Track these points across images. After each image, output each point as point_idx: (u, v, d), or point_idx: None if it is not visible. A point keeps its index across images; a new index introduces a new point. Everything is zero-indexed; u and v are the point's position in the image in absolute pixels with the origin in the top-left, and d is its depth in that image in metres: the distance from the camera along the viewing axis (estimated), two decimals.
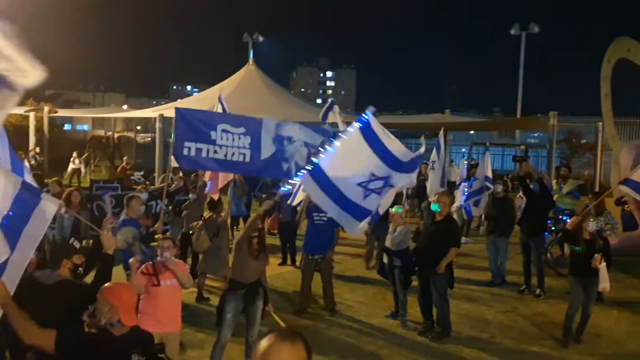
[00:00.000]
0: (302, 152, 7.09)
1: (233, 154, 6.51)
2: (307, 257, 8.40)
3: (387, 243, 8.14)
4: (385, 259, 8.19)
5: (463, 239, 13.76)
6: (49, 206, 4.10)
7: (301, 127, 7.14)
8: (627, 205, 12.57)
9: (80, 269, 4.83)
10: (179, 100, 24.65)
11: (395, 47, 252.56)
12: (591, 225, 7.29)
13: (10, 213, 3.89)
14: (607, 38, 16.59)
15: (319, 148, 7.01)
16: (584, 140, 27.21)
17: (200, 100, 25.75)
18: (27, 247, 3.93)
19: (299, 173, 6.03)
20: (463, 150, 34.99)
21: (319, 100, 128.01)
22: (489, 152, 12.31)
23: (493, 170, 13.60)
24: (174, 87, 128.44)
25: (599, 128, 21.69)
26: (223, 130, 6.50)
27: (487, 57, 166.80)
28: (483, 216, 13.04)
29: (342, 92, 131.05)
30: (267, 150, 6.71)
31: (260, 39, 37.35)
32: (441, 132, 13.64)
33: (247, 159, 6.59)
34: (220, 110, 8.96)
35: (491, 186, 11.56)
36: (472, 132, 39.06)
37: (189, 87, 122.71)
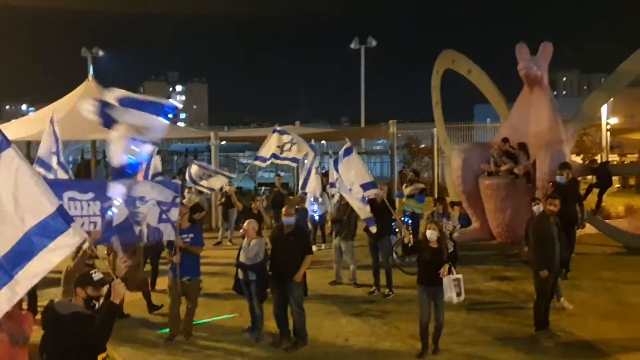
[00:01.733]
0: (154, 211, 7.00)
1: (83, 224, 6.07)
2: (174, 280, 8.08)
3: (242, 258, 8.11)
4: (240, 274, 8.15)
5: (322, 245, 14.25)
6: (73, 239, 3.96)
7: (153, 185, 7.02)
8: (461, 207, 13.87)
9: (94, 301, 4.56)
10: (12, 120, 22.67)
11: (246, 60, 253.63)
12: (430, 234, 7.38)
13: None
14: (438, 50, 18.08)
15: (172, 204, 7.06)
16: (423, 145, 29.16)
17: (35, 121, 23.69)
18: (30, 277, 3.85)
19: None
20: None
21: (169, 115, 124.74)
22: (332, 159, 12.75)
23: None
24: (7, 107, 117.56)
25: (434, 134, 23.44)
26: (70, 199, 6.10)
27: (336, 69, 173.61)
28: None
29: (194, 107, 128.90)
30: (120, 214, 6.40)
31: (101, 53, 35.60)
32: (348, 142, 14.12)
33: (99, 227, 6.24)
34: (51, 134, 8.37)
35: (335, 192, 11.98)
36: (323, 142, 40.25)
37: (24, 107, 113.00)
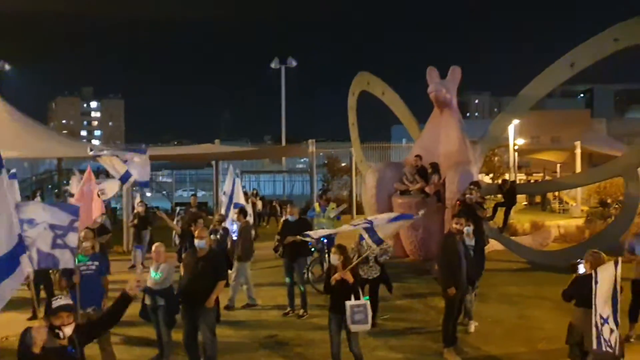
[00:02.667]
0: (46, 236, 6.26)
1: None
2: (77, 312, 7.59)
3: (149, 282, 7.81)
4: (147, 300, 7.84)
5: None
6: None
7: (45, 207, 6.43)
8: None
9: (59, 331, 4.21)
10: None
11: (166, 76, 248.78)
12: (332, 259, 7.02)
13: None
14: (355, 71, 18.46)
15: (69, 228, 6.41)
16: (344, 164, 29.59)
17: None
18: None
19: None
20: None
21: (83, 133, 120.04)
22: (238, 179, 12.70)
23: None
24: None
25: (352, 153, 23.86)
26: None
27: (260, 88, 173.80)
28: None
29: (110, 124, 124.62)
30: (4, 244, 5.56)
31: (7, 67, 33.92)
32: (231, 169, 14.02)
33: None
34: None
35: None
36: (245, 160, 40.07)
37: None
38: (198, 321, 7.32)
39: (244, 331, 9.34)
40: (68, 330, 4.26)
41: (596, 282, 5.72)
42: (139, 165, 12.31)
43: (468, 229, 8.74)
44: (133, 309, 9.44)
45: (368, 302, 6.91)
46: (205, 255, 7.45)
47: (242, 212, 11.28)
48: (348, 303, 6.78)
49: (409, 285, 12.19)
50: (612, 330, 5.67)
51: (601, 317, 5.70)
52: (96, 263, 7.68)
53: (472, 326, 9.08)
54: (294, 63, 36.87)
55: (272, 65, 37.13)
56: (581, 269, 6.47)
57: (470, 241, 8.87)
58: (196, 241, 7.55)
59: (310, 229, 10.58)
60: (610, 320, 5.66)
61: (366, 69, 18.03)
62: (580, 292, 6.22)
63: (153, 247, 8.00)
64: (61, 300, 4.39)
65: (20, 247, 5.57)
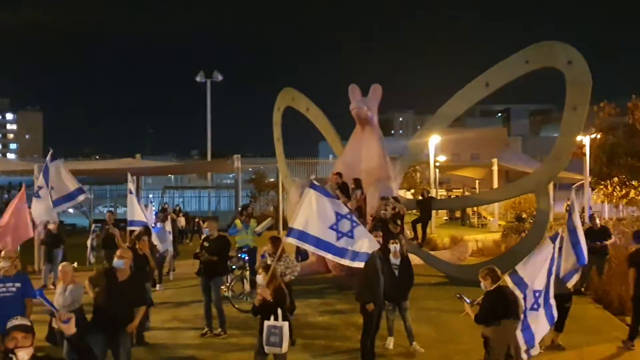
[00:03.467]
0: None
1: None
2: None
3: (56, 304, 7.35)
4: (54, 323, 7.35)
5: (157, 286, 13.54)
6: None
7: None
8: None
9: (12, 355, 3.76)
10: None
11: (88, 88, 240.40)
12: (258, 279, 6.81)
13: None
14: (281, 86, 18.45)
15: None
16: (271, 179, 29.47)
17: None
18: None
19: None
20: (151, 195, 34.72)
21: None
22: (132, 195, 12.30)
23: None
24: None
25: (278, 168, 23.80)
26: None
27: (187, 102, 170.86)
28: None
29: (27, 137, 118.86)
30: None
31: None
32: (129, 178, 13.69)
33: None
34: None
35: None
36: (170, 176, 39.18)
37: None
38: (114, 348, 6.86)
39: (161, 352, 8.99)
40: (23, 355, 3.82)
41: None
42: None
43: (395, 247, 8.81)
44: (40, 333, 9.01)
45: (285, 325, 6.57)
46: (127, 279, 6.96)
47: (147, 231, 10.94)
48: (266, 323, 6.58)
49: (329, 301, 12.19)
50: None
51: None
52: (17, 284, 7.09)
53: (391, 343, 9.08)
54: (219, 77, 36.46)
55: (198, 79, 36.56)
56: (467, 300, 6.69)
57: (396, 260, 8.88)
58: (115, 260, 7.03)
59: (229, 247, 10.37)
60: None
61: (294, 85, 18.10)
62: (494, 308, 6.39)
63: (60, 267, 7.58)
64: (16, 320, 4.01)
65: None
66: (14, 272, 7.24)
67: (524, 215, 27.17)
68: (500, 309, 6.37)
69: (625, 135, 20.50)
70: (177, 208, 25.28)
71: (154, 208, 18.11)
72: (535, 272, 6.75)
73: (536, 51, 13.24)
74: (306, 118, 17.28)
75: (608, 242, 12.36)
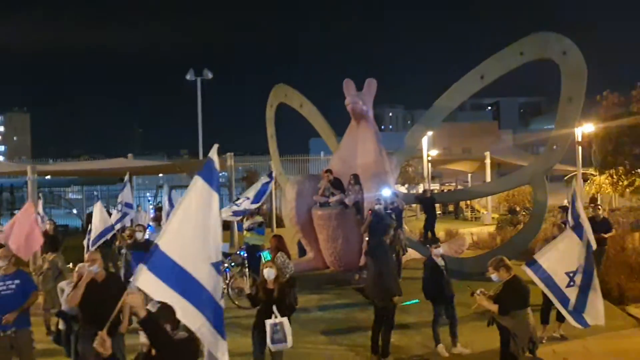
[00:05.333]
0: None
1: None
2: None
3: (64, 306, 7.24)
4: (60, 325, 7.28)
5: None
6: None
7: None
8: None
9: None
10: None
11: (76, 89, 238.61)
12: (267, 272, 6.85)
13: None
14: (272, 82, 18.37)
15: None
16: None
17: None
18: None
19: None
20: (148, 194, 34.63)
21: None
22: (99, 202, 12.25)
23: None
24: None
25: (271, 166, 23.69)
26: None
27: (175, 101, 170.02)
28: None
29: (15, 138, 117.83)
30: None
31: None
32: (126, 177, 13.72)
33: None
34: None
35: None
36: (160, 175, 38.96)
37: None
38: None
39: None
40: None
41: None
42: None
43: (438, 251, 8.50)
44: (42, 335, 8.92)
45: (285, 320, 6.64)
46: (105, 279, 6.82)
47: (144, 229, 11.11)
48: (268, 322, 6.60)
49: (328, 297, 12.14)
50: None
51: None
52: (17, 282, 7.03)
53: (444, 349, 8.44)
54: (210, 75, 36.13)
55: (188, 77, 36.22)
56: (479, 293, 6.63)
57: (442, 262, 8.49)
58: (88, 267, 6.80)
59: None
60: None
61: (285, 81, 18.02)
62: (516, 297, 6.41)
63: (77, 268, 7.43)
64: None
65: None
66: (13, 270, 7.18)
67: (517, 208, 27.27)
68: (521, 298, 6.40)
69: (630, 123, 20.50)
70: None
71: (151, 206, 18.00)
72: (558, 259, 6.81)
73: (531, 43, 13.24)
74: (296, 115, 17.22)
75: (607, 235, 12.24)
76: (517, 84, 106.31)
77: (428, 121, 16.03)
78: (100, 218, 11.85)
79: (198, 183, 4.47)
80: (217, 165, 4.55)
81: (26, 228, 11.53)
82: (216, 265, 4.35)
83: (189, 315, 4.18)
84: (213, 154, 4.56)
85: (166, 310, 4.21)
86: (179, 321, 4.24)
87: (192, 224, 4.32)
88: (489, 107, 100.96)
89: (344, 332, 9.61)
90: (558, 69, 12.84)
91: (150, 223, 14.81)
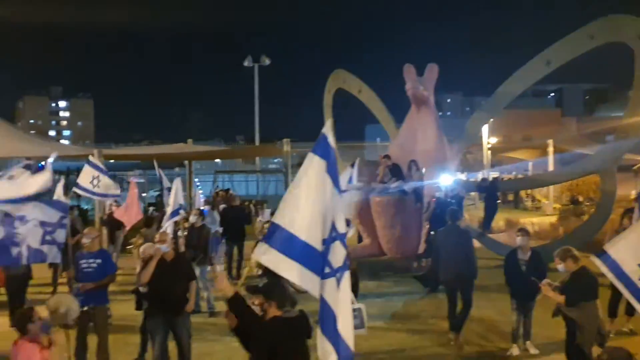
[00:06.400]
0: (36, 232, 6.64)
1: None
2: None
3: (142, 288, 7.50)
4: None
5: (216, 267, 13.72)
6: None
7: (36, 204, 6.57)
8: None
9: None
10: None
11: (137, 76, 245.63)
12: None
13: None
14: (331, 69, 18.35)
15: (58, 225, 6.72)
16: None
17: None
18: None
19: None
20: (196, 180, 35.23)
21: (52, 133, 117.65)
22: (179, 179, 12.27)
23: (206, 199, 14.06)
24: None
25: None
26: None
27: (232, 87, 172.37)
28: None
29: (79, 124, 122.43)
30: None
31: None
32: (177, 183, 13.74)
33: None
34: None
35: (183, 213, 11.50)
36: (218, 160, 39.70)
37: None
38: (176, 327, 7.01)
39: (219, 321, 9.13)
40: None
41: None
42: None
43: (522, 240, 8.00)
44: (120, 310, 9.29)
45: (363, 306, 6.74)
46: (174, 259, 7.11)
47: (200, 214, 11.20)
48: None
49: (386, 284, 12.13)
50: None
51: None
52: (98, 260, 7.33)
53: (515, 349, 8.16)
54: (267, 61, 36.48)
55: (245, 63, 36.68)
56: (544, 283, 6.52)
57: (524, 254, 8.00)
58: (158, 246, 7.13)
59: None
60: None
61: (342, 67, 17.96)
62: (584, 288, 6.27)
63: (142, 249, 7.71)
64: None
65: None
66: (97, 249, 7.51)
67: (580, 198, 26.37)
68: (590, 290, 6.22)
69: None
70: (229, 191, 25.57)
71: (201, 192, 18.42)
72: (630, 250, 6.55)
73: (602, 26, 12.70)
74: (352, 101, 17.16)
75: None
76: (582, 69, 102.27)
77: (490, 108, 15.67)
78: (175, 196, 11.98)
79: (314, 160, 4.48)
80: (331, 140, 4.54)
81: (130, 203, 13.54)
82: (340, 237, 4.38)
83: (311, 283, 4.31)
84: (327, 129, 4.55)
85: (272, 287, 4.42)
86: (290, 299, 4.45)
87: (312, 199, 4.41)
88: (552, 94, 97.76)
89: (405, 319, 9.61)
90: (630, 53, 12.28)
91: (204, 207, 15.08)
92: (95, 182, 10.87)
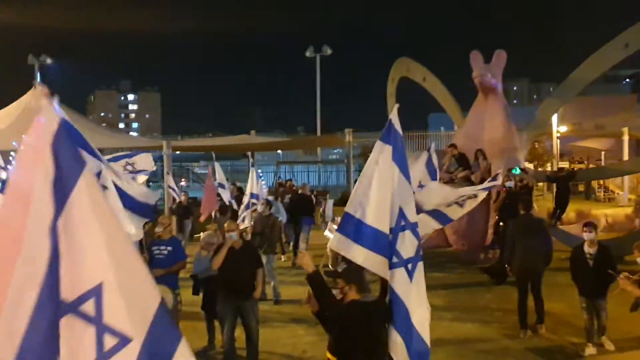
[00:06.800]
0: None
1: None
2: None
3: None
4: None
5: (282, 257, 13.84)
6: None
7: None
8: None
9: None
10: None
11: (200, 68, 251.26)
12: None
13: None
14: (393, 58, 18.14)
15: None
16: None
17: None
18: None
19: None
20: (260, 170, 35.66)
21: (121, 125, 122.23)
22: (254, 169, 12.39)
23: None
24: None
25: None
26: None
27: (293, 78, 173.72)
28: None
29: (147, 116, 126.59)
30: None
31: (49, 61, 34.57)
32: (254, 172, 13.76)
33: None
34: None
35: (257, 202, 11.63)
36: (279, 151, 40.10)
37: None
38: (244, 313, 7.17)
39: (285, 309, 9.24)
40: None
41: None
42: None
43: (590, 235, 7.43)
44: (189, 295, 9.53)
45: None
46: (242, 247, 7.29)
47: (268, 203, 11.25)
48: None
49: (452, 276, 11.92)
50: None
51: None
52: (169, 248, 7.53)
53: (588, 350, 7.66)
54: (329, 51, 36.44)
55: (307, 54, 36.77)
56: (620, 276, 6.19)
57: (591, 249, 7.44)
58: (228, 234, 7.35)
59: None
60: None
61: (404, 55, 17.72)
62: None
63: (202, 235, 7.91)
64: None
65: None
66: (168, 237, 7.71)
67: None
68: None
69: None
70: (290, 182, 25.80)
71: (263, 182, 18.60)
72: None
73: None
74: (415, 90, 16.88)
75: None
76: None
77: (562, 94, 15.07)
78: (251, 184, 12.17)
79: (382, 148, 4.53)
80: (398, 126, 4.56)
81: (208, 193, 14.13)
82: (412, 227, 4.45)
83: (384, 269, 4.42)
84: (394, 115, 4.57)
85: (352, 272, 4.59)
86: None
87: (380, 187, 4.48)
88: (627, 79, 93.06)
89: (471, 311, 9.43)
90: None
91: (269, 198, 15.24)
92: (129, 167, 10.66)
